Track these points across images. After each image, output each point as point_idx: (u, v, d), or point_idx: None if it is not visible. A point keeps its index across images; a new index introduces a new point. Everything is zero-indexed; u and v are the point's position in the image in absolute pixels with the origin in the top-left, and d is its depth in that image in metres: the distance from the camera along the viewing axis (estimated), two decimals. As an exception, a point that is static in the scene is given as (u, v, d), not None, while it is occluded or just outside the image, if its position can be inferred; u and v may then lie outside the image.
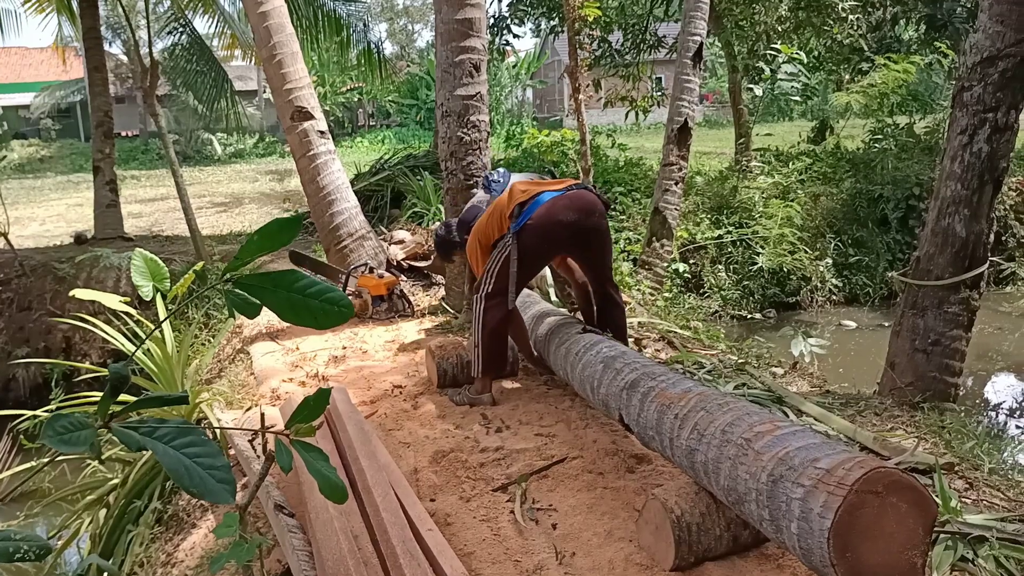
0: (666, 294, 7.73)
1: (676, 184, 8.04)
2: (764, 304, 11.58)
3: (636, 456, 3.30)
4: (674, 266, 8.88)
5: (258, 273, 1.40)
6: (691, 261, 11.32)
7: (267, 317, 6.03)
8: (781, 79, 12.25)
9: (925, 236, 4.06)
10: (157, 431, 1.36)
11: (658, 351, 4.83)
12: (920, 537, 1.88)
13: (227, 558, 2.03)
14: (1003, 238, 12.30)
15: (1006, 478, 2.95)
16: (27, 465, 4.48)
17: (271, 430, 1.81)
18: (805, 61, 12.49)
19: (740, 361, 4.40)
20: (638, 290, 6.87)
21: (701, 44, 7.88)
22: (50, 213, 18.87)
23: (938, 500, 2.55)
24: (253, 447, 3.89)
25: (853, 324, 10.87)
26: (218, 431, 4.21)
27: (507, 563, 2.56)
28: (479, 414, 3.81)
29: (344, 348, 5.16)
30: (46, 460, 4.34)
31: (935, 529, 2.29)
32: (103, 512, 4.32)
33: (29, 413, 4.46)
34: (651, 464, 3.24)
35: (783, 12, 13.54)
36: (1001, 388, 8.48)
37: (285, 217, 1.39)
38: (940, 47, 12.01)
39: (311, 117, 6.42)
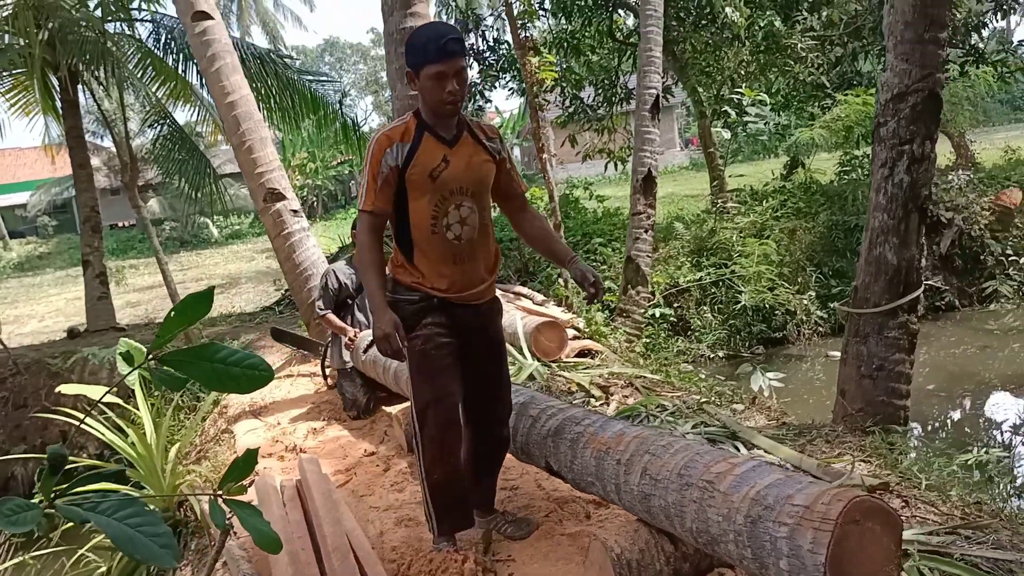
0: (645, 339, 7.88)
1: (646, 232, 8.26)
2: (752, 341, 11.68)
3: (595, 502, 3.42)
4: (651, 311, 9.03)
5: (180, 349, 1.54)
6: (676, 305, 11.49)
7: (249, 396, 6.18)
8: (748, 120, 12.56)
9: (860, 266, 4.24)
10: (100, 505, 1.50)
11: (626, 397, 4.97)
12: (893, 552, 2.03)
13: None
14: (981, 257, 12.48)
15: (941, 493, 3.07)
16: (15, 561, 4.59)
17: (208, 493, 1.95)
18: (768, 102, 12.83)
19: (702, 400, 4.54)
20: (614, 338, 7.02)
21: (657, 96, 8.17)
22: (49, 309, 19.19)
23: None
24: (233, 529, 4.02)
25: (839, 355, 10.98)
26: (199, 512, 4.35)
27: (462, 614, 2.67)
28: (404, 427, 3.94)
29: (324, 419, 5.30)
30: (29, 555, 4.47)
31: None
32: (93, 599, 4.43)
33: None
34: (609, 509, 3.36)
35: (745, 56, 13.96)
36: (976, 406, 8.57)
37: (198, 292, 1.52)
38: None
39: (283, 198, 6.66)
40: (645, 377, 5.39)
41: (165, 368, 1.56)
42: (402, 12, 5.27)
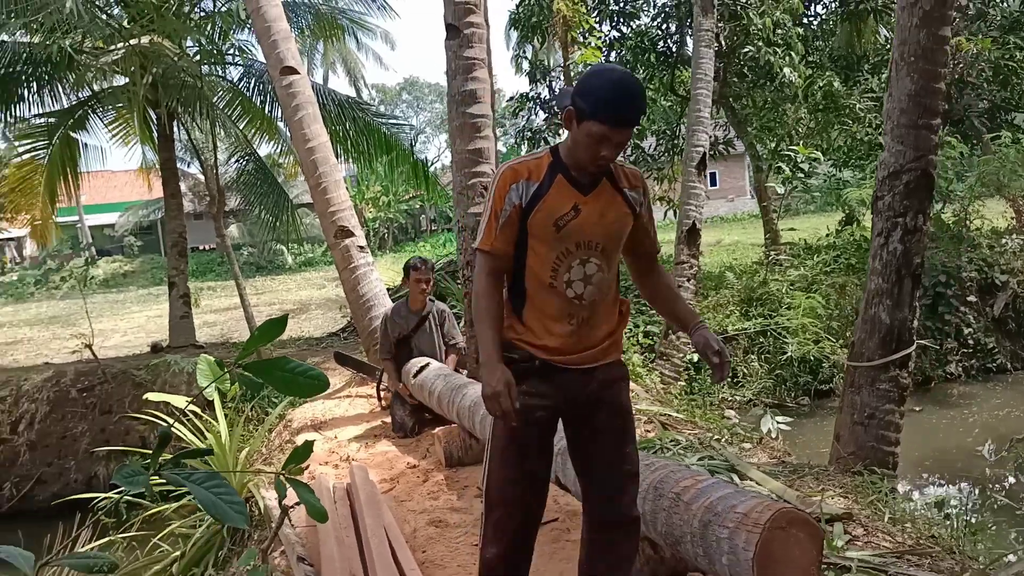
0: (681, 383, 8.31)
1: (688, 280, 8.74)
2: (797, 392, 11.93)
3: (601, 517, 3.92)
4: (690, 356, 9.44)
5: (258, 360, 2.11)
6: (723, 352, 11.82)
7: (311, 412, 6.85)
8: (800, 176, 12.94)
9: (858, 324, 4.68)
10: (192, 476, 2.08)
11: (647, 431, 5.44)
12: (815, 557, 2.50)
13: (247, 579, 2.75)
14: (1034, 322, 12.55)
15: (901, 525, 3.49)
16: (103, 541, 5.28)
17: (273, 471, 2.54)
18: (821, 159, 13.20)
19: (715, 437, 5.00)
20: (650, 379, 7.49)
21: (704, 154, 8.70)
22: (131, 325, 20.38)
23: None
24: (290, 519, 4.63)
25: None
26: (262, 508, 4.97)
27: (473, 596, 3.21)
28: (476, 486, 4.49)
29: (375, 435, 5.91)
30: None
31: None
32: (167, 581, 5.08)
33: (102, 496, 5.29)
34: (612, 523, 3.86)
35: (803, 115, 14.38)
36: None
37: (275, 317, 2.05)
38: (950, 141, 12.59)
39: (352, 235, 7.36)
40: (669, 415, 5.85)
41: (247, 374, 2.15)
42: (464, 77, 5.92)
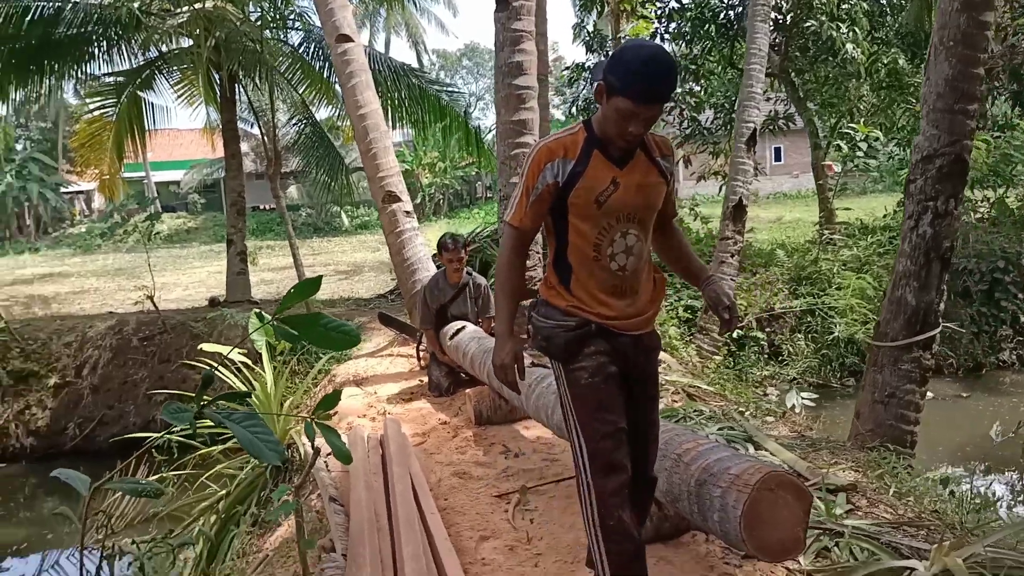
0: (719, 358, 8.39)
1: (732, 256, 8.77)
2: (843, 373, 11.87)
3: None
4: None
5: (296, 315, 2.28)
6: (768, 329, 11.82)
7: (354, 368, 7.13)
8: (859, 157, 12.76)
9: (884, 304, 4.73)
10: (232, 415, 2.26)
11: (675, 401, 5.58)
12: (801, 518, 2.63)
13: (280, 510, 2.99)
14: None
15: (906, 499, 3.59)
16: (156, 476, 5.64)
17: (303, 416, 2.76)
18: (882, 139, 12.98)
19: (739, 409, 5.12)
20: (686, 352, 7.59)
21: (755, 130, 8.68)
22: (192, 279, 21.06)
23: (822, 507, 3.28)
24: (327, 465, 4.91)
25: (931, 395, 11.04)
26: (302, 454, 5.26)
27: (488, 540, 3.43)
28: (502, 444, 4.70)
29: (412, 393, 6.16)
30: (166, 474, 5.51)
31: (813, 526, 3.08)
32: (213, 517, 5.42)
33: (157, 436, 5.63)
34: (628, 483, 4.04)
35: (865, 92, 14.13)
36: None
37: (310, 277, 2.21)
38: (1019, 124, 12.29)
39: (399, 200, 7.57)
40: (698, 387, 5.98)
41: (285, 327, 2.33)
42: (511, 48, 6.05)
